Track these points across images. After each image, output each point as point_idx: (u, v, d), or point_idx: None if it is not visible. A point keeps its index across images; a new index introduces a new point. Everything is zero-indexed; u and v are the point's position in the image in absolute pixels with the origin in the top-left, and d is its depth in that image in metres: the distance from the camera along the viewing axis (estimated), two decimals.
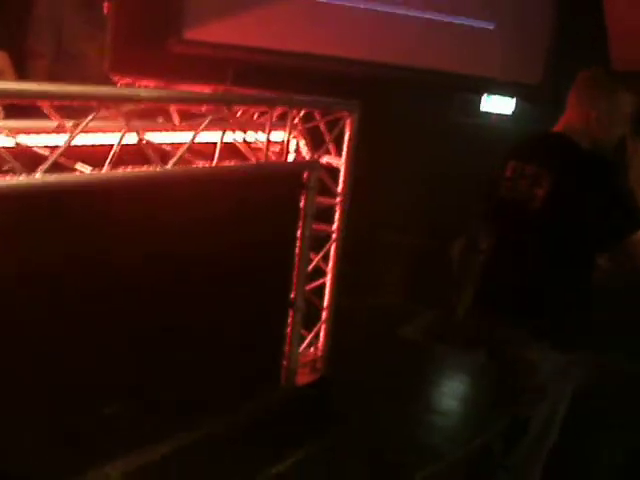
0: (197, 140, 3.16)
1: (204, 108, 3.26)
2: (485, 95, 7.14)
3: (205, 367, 3.55)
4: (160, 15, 5.98)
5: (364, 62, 6.33)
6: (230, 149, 3.50)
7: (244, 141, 3.44)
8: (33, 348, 2.80)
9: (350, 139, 4.13)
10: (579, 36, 6.37)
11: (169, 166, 2.98)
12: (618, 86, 2.92)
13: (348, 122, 4.10)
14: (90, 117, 2.68)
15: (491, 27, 6.83)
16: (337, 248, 4.21)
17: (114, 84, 4.42)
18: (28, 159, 2.65)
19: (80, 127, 2.67)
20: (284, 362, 4.10)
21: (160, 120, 3.16)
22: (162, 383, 3.35)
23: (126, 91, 2.94)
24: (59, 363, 2.91)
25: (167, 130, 3.17)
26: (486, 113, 7.16)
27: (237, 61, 5.84)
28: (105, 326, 3.02)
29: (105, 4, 4.56)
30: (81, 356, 3.00)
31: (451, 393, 5.12)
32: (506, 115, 7.09)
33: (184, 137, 3.19)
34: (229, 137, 3.44)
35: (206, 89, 4.41)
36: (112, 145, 2.86)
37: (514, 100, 7.10)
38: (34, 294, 2.71)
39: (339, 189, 4.14)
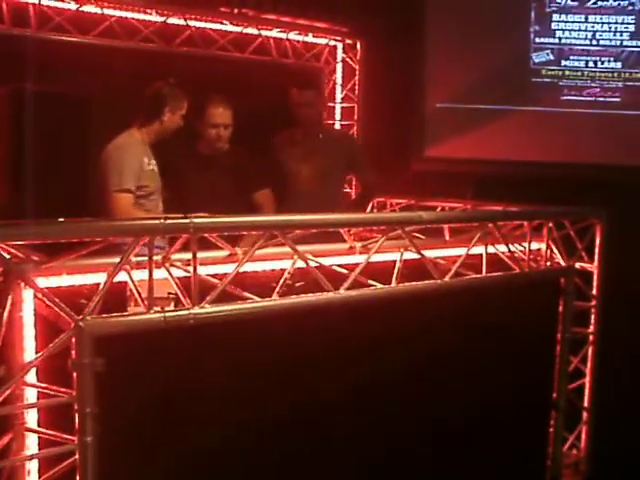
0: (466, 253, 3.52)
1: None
2: None
3: (469, 468, 3.78)
4: (402, 135, 6.54)
5: (601, 166, 6.51)
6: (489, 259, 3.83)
7: (507, 252, 3.75)
8: None
9: (600, 245, 4.34)
10: None
11: (447, 279, 3.33)
12: None
13: (598, 229, 4.32)
14: (383, 238, 3.10)
15: None
16: (595, 350, 4.36)
17: None
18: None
19: (375, 248, 3.11)
20: (547, 463, 4.23)
21: None
22: None
23: (411, 215, 3.34)
24: None
25: (441, 247, 3.55)
26: None
27: (477, 174, 6.23)
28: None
29: None
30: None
31: None
32: None
33: (454, 252, 3.56)
34: (491, 248, 3.76)
35: (454, 205, 4.83)
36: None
37: None
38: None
39: (594, 293, 4.33)
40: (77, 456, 2.41)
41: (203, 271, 2.83)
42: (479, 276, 3.56)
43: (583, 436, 4.49)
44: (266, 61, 5.86)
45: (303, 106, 4.92)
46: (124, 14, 5.17)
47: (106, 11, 5.06)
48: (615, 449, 4.84)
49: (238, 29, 5.68)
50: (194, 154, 4.62)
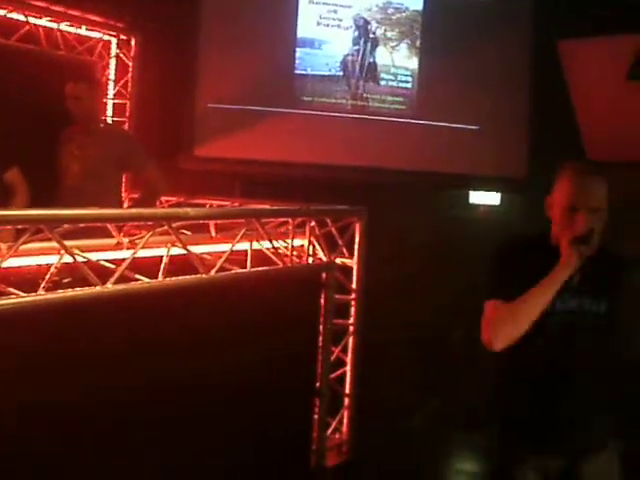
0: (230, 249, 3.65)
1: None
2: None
3: (241, 456, 3.92)
4: (172, 134, 6.60)
5: (362, 169, 6.94)
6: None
7: (271, 248, 3.93)
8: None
9: (360, 242, 4.64)
10: (557, 130, 6.97)
11: (212, 273, 3.44)
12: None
13: (357, 226, 4.62)
14: (149, 233, 3.16)
15: (475, 129, 7.46)
16: (355, 340, 4.67)
17: None
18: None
19: (141, 243, 3.16)
20: (313, 446, 4.47)
21: None
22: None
23: (178, 211, 3.42)
24: None
25: (207, 242, 3.66)
26: (475, 205, 7.75)
27: (245, 174, 6.43)
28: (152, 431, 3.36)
29: None
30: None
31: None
32: (494, 205, 7.69)
33: (220, 247, 3.70)
34: (256, 245, 3.93)
35: (222, 202, 4.97)
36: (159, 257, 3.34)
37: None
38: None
39: (353, 286, 4.63)
40: None
41: None
42: (244, 271, 3.70)
43: (345, 421, 4.78)
44: (33, 50, 5.65)
45: (74, 99, 4.87)
46: None
47: None
48: (374, 431, 5.21)
49: (1, 12, 5.42)
50: None
